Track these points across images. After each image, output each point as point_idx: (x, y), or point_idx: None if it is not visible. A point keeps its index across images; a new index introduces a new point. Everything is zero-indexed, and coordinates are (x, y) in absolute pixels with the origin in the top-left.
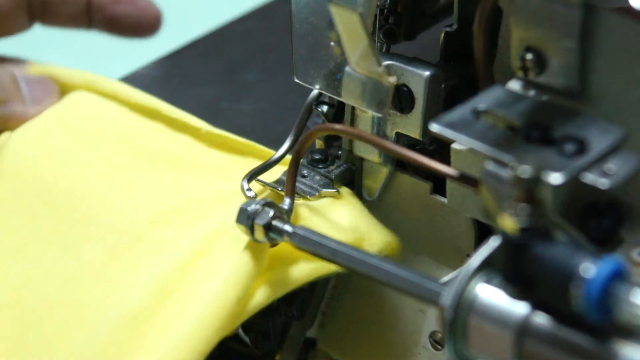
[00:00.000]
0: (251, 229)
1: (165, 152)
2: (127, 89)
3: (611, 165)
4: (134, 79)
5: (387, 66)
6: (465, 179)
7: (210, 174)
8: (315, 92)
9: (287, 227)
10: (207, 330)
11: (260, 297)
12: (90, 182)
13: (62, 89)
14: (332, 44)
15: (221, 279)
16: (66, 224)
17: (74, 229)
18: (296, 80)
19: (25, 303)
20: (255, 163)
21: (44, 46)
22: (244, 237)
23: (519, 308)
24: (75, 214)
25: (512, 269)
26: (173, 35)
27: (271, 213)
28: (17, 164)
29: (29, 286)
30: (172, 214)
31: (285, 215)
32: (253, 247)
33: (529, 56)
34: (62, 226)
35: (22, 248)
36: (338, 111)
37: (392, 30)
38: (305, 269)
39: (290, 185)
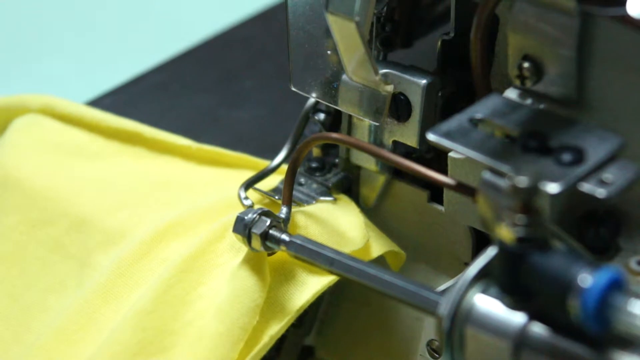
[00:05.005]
0: (248, 238)
1: (154, 174)
2: (100, 113)
3: (609, 175)
4: (132, 86)
5: (384, 74)
6: (462, 188)
7: (206, 188)
8: (312, 100)
9: (284, 236)
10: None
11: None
12: (86, 205)
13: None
14: (328, 52)
15: (222, 297)
16: (67, 247)
17: (75, 255)
18: (293, 89)
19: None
20: (250, 175)
21: (35, 49)
22: (239, 244)
23: (516, 318)
24: (71, 235)
25: (509, 279)
26: (171, 42)
27: (268, 222)
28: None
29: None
30: (175, 229)
31: (283, 224)
32: (251, 258)
33: (526, 65)
34: (63, 251)
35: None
36: (335, 119)
37: (389, 38)
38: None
39: (287, 193)
